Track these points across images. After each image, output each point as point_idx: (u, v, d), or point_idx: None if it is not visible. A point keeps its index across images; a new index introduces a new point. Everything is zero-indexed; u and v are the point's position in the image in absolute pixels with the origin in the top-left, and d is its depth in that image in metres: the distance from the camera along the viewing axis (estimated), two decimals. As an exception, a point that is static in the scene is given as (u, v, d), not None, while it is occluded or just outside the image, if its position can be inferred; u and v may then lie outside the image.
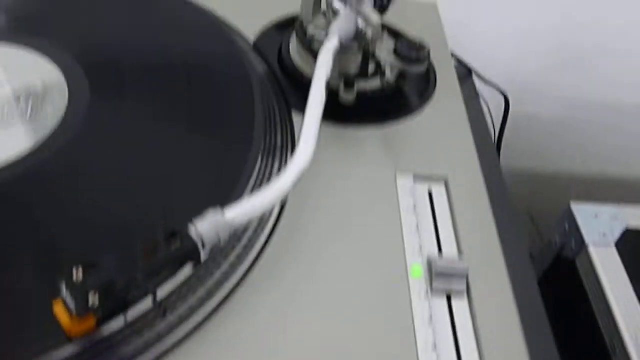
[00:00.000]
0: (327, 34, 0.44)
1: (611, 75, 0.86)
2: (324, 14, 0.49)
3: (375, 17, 0.45)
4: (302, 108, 0.40)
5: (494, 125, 0.74)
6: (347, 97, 0.45)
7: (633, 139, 0.96)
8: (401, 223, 0.40)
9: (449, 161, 0.45)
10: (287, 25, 0.54)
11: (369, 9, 0.45)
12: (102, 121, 0.41)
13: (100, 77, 0.43)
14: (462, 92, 0.54)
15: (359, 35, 0.46)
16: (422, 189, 0.43)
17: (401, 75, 0.49)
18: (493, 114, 0.76)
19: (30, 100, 0.42)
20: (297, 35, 0.48)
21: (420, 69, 0.49)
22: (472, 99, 0.68)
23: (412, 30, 0.57)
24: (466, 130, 0.48)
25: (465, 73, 0.70)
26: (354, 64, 0.47)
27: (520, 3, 0.79)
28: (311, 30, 0.46)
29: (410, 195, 0.42)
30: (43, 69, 0.44)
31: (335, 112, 0.44)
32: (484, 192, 0.43)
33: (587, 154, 0.98)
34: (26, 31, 0.46)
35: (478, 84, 0.71)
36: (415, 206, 0.41)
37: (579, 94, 0.90)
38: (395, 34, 0.55)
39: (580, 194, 1.04)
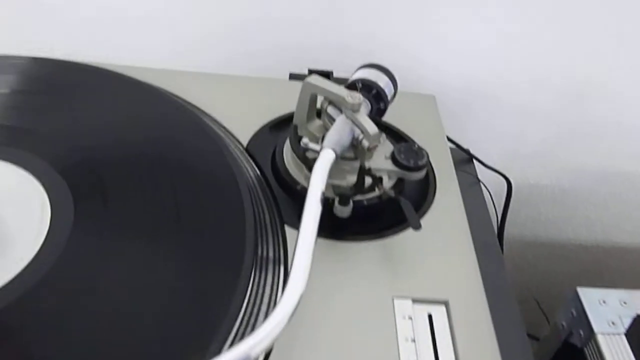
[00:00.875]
0: (321, 143, 0.43)
1: (615, 145, 0.85)
2: (319, 116, 0.48)
3: (372, 127, 0.44)
4: (295, 220, 0.38)
5: (495, 208, 0.73)
6: (343, 212, 0.43)
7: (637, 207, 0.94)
8: (398, 350, 0.38)
9: (449, 282, 0.42)
10: (282, 126, 0.53)
11: (364, 118, 0.44)
12: (84, 244, 0.39)
13: (82, 186, 0.42)
14: (463, 178, 0.52)
15: (354, 143, 0.44)
16: (422, 312, 0.41)
17: (399, 182, 0.48)
18: (495, 194, 0.74)
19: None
20: (290, 142, 0.47)
21: (418, 176, 0.47)
22: (473, 186, 0.67)
23: (411, 121, 0.55)
24: (468, 243, 0.45)
25: (465, 159, 0.69)
26: (349, 175, 0.45)
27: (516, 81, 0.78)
28: (305, 138, 0.44)
29: (408, 319, 0.40)
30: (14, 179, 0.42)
31: (328, 224, 0.42)
32: (487, 314, 0.41)
33: (591, 223, 0.96)
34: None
35: (478, 166, 0.70)
36: (413, 330, 0.39)
37: (580, 164, 0.89)
38: (392, 133, 0.54)
39: (587, 265, 1.01)
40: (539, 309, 0.87)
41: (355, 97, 0.44)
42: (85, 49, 0.75)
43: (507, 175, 0.75)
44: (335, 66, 0.62)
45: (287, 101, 0.55)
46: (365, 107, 0.46)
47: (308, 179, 0.46)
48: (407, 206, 0.42)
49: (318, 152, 0.43)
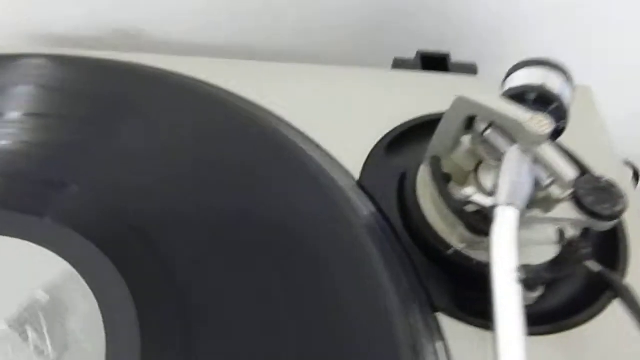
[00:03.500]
0: (496, 196, 0.29)
1: None
2: (473, 150, 0.34)
3: (568, 169, 0.30)
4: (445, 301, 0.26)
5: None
6: (526, 298, 0.30)
7: None
8: None
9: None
10: (401, 145, 0.39)
11: (555, 154, 0.30)
12: None
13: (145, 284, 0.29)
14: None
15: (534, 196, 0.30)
16: None
17: (582, 236, 0.34)
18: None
19: (41, 322, 0.27)
20: (436, 186, 0.33)
21: (610, 225, 0.33)
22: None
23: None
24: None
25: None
26: (539, 247, 0.31)
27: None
28: (469, 189, 0.30)
29: None
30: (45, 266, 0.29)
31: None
32: None
33: None
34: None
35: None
36: None
37: None
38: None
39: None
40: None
41: (543, 123, 0.30)
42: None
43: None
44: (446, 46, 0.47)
45: (395, 100, 0.41)
46: (548, 135, 0.32)
47: (463, 238, 0.32)
48: (628, 295, 0.29)
49: (489, 209, 0.29)
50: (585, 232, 0.35)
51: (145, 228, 0.31)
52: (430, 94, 0.41)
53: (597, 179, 0.35)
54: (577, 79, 0.36)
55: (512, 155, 0.31)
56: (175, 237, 0.31)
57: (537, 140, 0.30)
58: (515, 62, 0.36)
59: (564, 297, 0.33)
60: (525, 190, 0.29)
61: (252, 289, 0.29)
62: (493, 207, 0.29)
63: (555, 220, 0.34)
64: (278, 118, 0.38)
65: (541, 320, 0.31)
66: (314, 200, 0.32)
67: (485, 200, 0.30)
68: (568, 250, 0.30)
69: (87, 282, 0.28)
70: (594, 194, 0.34)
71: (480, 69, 0.46)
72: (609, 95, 0.49)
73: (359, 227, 0.31)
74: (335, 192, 0.33)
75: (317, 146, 0.37)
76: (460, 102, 0.31)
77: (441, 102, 0.35)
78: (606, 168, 0.40)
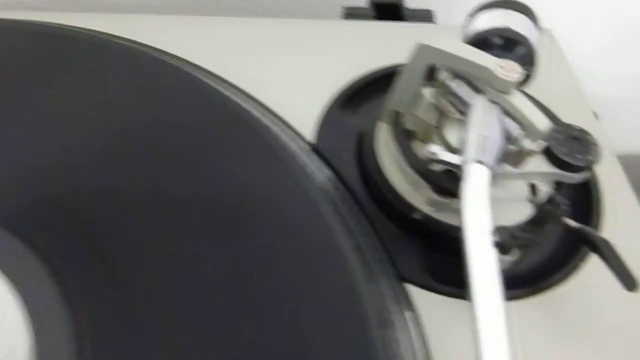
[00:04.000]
0: (464, 152, 0.26)
1: None
2: (435, 104, 0.31)
3: (540, 118, 0.27)
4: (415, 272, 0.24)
5: None
6: (504, 260, 0.27)
7: None
8: None
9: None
10: (359, 100, 0.36)
11: (525, 103, 0.27)
12: None
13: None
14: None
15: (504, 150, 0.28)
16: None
17: (556, 190, 0.32)
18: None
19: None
20: (398, 145, 0.30)
21: (583, 177, 0.31)
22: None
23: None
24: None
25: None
26: (511, 205, 0.29)
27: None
28: (433, 146, 0.27)
29: None
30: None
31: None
32: None
33: None
34: None
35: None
36: None
37: None
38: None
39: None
40: None
41: (512, 70, 0.27)
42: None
43: None
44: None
45: (347, 53, 0.38)
46: (516, 82, 0.29)
47: (431, 201, 0.29)
48: (609, 250, 0.27)
49: (457, 168, 0.26)
50: (558, 186, 0.33)
51: (71, 205, 0.27)
52: (384, 45, 0.38)
53: (569, 128, 0.33)
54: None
55: (479, 107, 0.28)
56: (106, 211, 0.27)
57: (507, 88, 0.27)
58: (474, 6, 0.33)
59: (537, 256, 0.31)
60: (495, 144, 0.27)
61: (196, 261, 0.26)
62: (461, 165, 0.26)
63: (526, 174, 0.31)
64: (218, 78, 0.35)
65: (515, 282, 0.29)
66: (263, 167, 0.29)
67: (452, 158, 0.27)
68: (546, 208, 0.27)
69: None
70: (566, 144, 0.32)
71: (437, 16, 0.43)
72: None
73: (315, 194, 0.28)
74: (287, 158, 0.29)
75: (264, 107, 0.34)
76: (420, 49, 0.28)
77: (397, 53, 0.32)
78: (575, 115, 0.38)
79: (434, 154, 0.27)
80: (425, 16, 0.42)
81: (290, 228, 0.28)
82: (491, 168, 0.26)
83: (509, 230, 0.27)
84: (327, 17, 0.42)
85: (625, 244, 0.31)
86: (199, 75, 0.33)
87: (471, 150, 0.26)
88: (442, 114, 0.32)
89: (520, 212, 0.31)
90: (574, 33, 0.64)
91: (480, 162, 0.26)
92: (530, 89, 0.32)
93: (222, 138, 0.30)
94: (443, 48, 0.27)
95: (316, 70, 0.37)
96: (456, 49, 0.28)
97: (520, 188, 0.31)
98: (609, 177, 0.35)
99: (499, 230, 0.27)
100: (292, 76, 0.37)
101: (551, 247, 0.31)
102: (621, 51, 0.71)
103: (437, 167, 0.28)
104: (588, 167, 0.31)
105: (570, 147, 0.32)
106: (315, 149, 0.32)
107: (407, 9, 0.42)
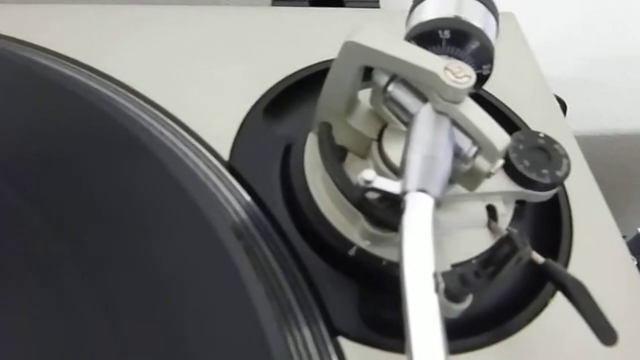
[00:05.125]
0: (402, 176, 0.21)
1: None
2: (376, 112, 0.25)
3: (499, 134, 0.22)
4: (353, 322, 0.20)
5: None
6: (451, 311, 0.22)
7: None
8: None
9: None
10: (285, 107, 0.30)
11: (480, 114, 0.22)
12: None
13: None
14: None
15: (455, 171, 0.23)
16: None
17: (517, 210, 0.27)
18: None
19: None
20: (329, 170, 0.24)
21: (550, 194, 0.27)
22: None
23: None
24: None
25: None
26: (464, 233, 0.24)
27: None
28: (367, 172, 0.22)
29: None
30: None
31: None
32: None
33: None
34: None
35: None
36: None
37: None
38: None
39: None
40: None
41: (463, 73, 0.22)
42: None
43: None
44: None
45: (275, 47, 0.32)
46: (469, 86, 0.24)
47: (367, 234, 0.24)
48: (582, 295, 0.22)
49: (399, 197, 0.21)
50: (521, 205, 0.28)
51: None
52: (320, 36, 0.33)
53: (533, 136, 0.28)
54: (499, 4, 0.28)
55: (423, 119, 0.23)
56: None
57: (457, 96, 0.22)
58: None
59: (496, 294, 0.26)
60: (442, 166, 0.22)
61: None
62: (401, 195, 0.21)
63: (482, 195, 0.26)
64: (111, 80, 0.28)
65: (471, 328, 0.25)
66: (160, 197, 0.23)
67: (389, 186, 0.22)
68: (503, 246, 0.22)
69: None
70: (530, 157, 0.27)
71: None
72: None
73: (222, 229, 0.23)
74: (190, 183, 0.24)
75: (166, 115, 0.28)
76: (348, 48, 0.23)
77: (335, 46, 0.27)
78: (537, 105, 0.34)
79: (367, 181, 0.22)
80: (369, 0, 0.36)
81: (188, 271, 0.22)
82: (437, 197, 0.21)
83: (459, 274, 0.22)
84: (252, 3, 0.36)
85: (596, 265, 0.27)
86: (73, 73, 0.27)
87: (412, 176, 0.21)
88: (383, 124, 0.26)
89: (479, 242, 0.26)
90: (540, 15, 0.60)
91: (424, 191, 0.21)
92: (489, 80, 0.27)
93: (122, 162, 0.24)
94: (375, 47, 0.22)
95: (236, 69, 0.31)
96: (393, 47, 0.22)
97: (477, 210, 0.27)
98: (578, 183, 0.30)
99: (447, 275, 0.22)
100: (206, 78, 0.31)
101: (513, 282, 0.26)
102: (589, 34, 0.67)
103: (374, 194, 0.23)
104: (556, 184, 0.27)
105: (535, 161, 0.27)
106: (231, 167, 0.27)
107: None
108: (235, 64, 0.32)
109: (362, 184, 0.22)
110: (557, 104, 0.34)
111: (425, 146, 0.22)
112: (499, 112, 0.32)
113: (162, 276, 0.22)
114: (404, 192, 0.21)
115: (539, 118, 0.32)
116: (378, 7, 0.36)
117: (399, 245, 0.20)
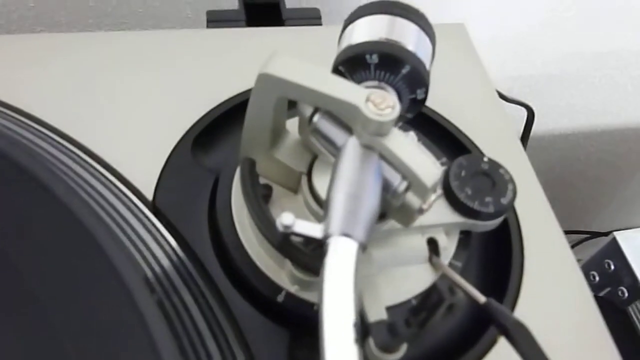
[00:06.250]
0: (325, 220, 0.19)
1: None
2: (304, 143, 0.24)
3: (428, 167, 0.20)
4: None
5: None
6: (392, 356, 0.20)
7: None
8: None
9: None
10: (214, 138, 0.28)
11: (409, 145, 0.20)
12: None
13: None
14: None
15: (387, 198, 0.21)
16: None
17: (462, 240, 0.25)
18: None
19: None
20: (252, 212, 0.22)
21: (496, 223, 0.25)
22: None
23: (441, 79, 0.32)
24: None
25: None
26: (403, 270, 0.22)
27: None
28: (286, 216, 0.20)
29: None
30: None
31: None
32: None
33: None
34: None
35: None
36: None
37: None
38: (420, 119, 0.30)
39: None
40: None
41: (386, 104, 0.20)
42: None
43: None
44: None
45: (208, 73, 0.31)
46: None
47: (295, 278, 0.23)
48: (526, 340, 0.20)
49: (322, 242, 0.19)
50: (466, 235, 0.27)
51: None
52: (259, 58, 0.31)
53: (476, 161, 0.26)
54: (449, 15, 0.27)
55: (348, 154, 0.21)
56: None
57: (381, 129, 0.20)
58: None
59: (434, 338, 0.24)
60: (367, 207, 0.20)
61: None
62: (323, 239, 0.20)
63: (422, 227, 0.25)
64: (17, 112, 0.26)
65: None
66: (62, 245, 0.21)
67: (311, 230, 0.20)
68: (432, 293, 0.21)
69: None
70: (472, 184, 0.25)
71: (326, 16, 0.36)
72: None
73: (133, 282, 0.21)
74: (98, 228, 0.22)
75: (83, 151, 0.26)
76: (264, 80, 0.21)
77: None
78: (488, 122, 0.32)
79: (287, 226, 0.20)
80: (311, 16, 0.35)
81: (92, 325, 0.21)
82: (361, 241, 0.19)
83: (387, 324, 0.20)
84: (186, 25, 0.34)
85: (549, 297, 0.26)
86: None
87: (335, 219, 0.20)
88: (313, 156, 0.25)
89: (418, 279, 0.25)
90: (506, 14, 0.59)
91: (347, 235, 0.19)
92: (440, 88, 0.26)
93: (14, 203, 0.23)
94: (291, 78, 0.20)
95: (165, 97, 0.29)
96: (309, 78, 0.20)
97: (418, 246, 0.25)
98: (530, 205, 0.29)
99: (375, 325, 0.20)
100: (131, 108, 0.29)
101: (459, 320, 0.25)
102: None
103: (298, 237, 0.22)
104: (501, 213, 0.25)
105: (478, 188, 0.25)
106: (155, 208, 0.25)
107: (288, 9, 0.34)
108: (164, 91, 0.30)
109: (281, 229, 0.20)
110: (509, 120, 0.33)
111: (349, 184, 0.20)
112: (446, 133, 0.30)
113: (64, 335, 0.20)
114: (326, 237, 0.19)
115: (489, 136, 0.31)
116: (320, 24, 0.35)
117: (318, 294, 0.18)
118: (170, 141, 0.27)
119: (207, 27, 0.33)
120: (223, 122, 0.29)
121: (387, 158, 0.21)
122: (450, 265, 0.25)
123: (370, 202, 0.20)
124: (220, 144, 0.29)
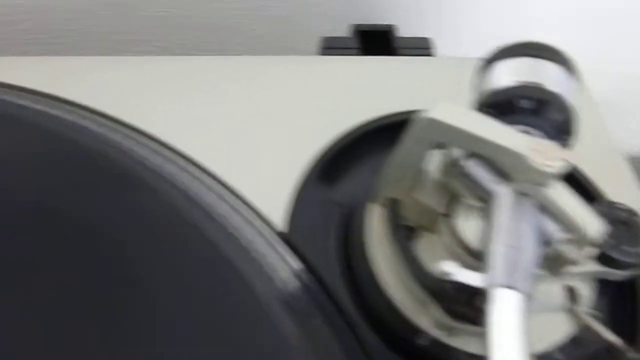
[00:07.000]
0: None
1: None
2: (445, 184, 0.24)
3: (592, 220, 0.20)
4: None
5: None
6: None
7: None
8: None
9: None
10: (341, 172, 0.28)
11: (570, 198, 0.20)
12: None
13: None
14: None
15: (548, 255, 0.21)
16: None
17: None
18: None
19: None
20: (393, 246, 0.22)
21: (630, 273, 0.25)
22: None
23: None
24: None
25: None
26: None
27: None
28: (448, 264, 0.20)
29: None
30: None
31: None
32: None
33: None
34: None
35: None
36: None
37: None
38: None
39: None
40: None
41: (552, 156, 0.20)
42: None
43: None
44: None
45: (326, 101, 0.30)
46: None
47: (440, 323, 0.22)
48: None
49: (479, 291, 0.19)
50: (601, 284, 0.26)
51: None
52: (373, 87, 0.31)
53: (613, 209, 0.26)
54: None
55: (506, 203, 0.21)
56: None
57: (545, 180, 0.20)
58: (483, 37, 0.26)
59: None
60: (529, 257, 0.20)
61: None
62: (485, 289, 0.19)
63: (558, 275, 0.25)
64: (148, 139, 0.27)
65: None
66: (201, 267, 0.22)
67: (472, 279, 0.20)
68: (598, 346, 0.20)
69: None
70: (610, 231, 0.25)
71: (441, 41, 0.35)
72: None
73: (271, 301, 0.21)
74: (236, 254, 0.22)
75: (208, 177, 0.26)
76: (422, 123, 0.21)
77: (389, 100, 0.25)
78: (607, 168, 0.31)
79: (447, 274, 0.20)
80: (422, 46, 0.34)
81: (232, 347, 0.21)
82: (526, 293, 0.19)
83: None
84: (298, 52, 0.34)
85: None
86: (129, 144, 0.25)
87: (498, 271, 0.19)
88: (453, 197, 0.25)
89: (555, 327, 0.24)
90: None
91: (511, 287, 0.19)
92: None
93: (156, 230, 0.23)
94: (456, 124, 0.20)
95: (286, 125, 0.30)
96: (473, 124, 0.20)
97: (554, 293, 0.25)
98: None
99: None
100: (255, 136, 0.29)
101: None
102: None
103: (449, 283, 0.21)
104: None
105: (615, 236, 0.25)
106: (286, 239, 0.25)
107: (399, 38, 0.34)
108: (285, 119, 0.30)
109: (440, 276, 0.20)
110: (627, 163, 0.32)
111: (509, 235, 0.20)
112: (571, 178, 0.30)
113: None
114: (490, 287, 0.19)
115: (610, 182, 0.30)
116: (431, 54, 0.34)
117: (486, 345, 0.18)
118: (296, 172, 0.27)
119: (321, 53, 0.34)
120: (343, 154, 0.29)
121: (548, 208, 0.21)
122: (593, 316, 0.24)
123: (530, 253, 0.20)
124: (341, 176, 0.29)
